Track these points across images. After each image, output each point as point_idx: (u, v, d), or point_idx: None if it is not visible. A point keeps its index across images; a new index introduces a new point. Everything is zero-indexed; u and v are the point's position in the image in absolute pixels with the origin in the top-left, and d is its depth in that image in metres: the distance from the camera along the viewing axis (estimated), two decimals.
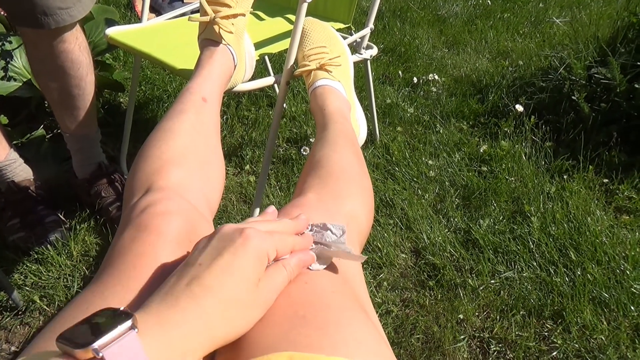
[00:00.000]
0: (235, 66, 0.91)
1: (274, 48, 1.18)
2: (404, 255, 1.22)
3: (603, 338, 1.02)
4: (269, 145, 1.13)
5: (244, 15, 0.91)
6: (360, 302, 0.47)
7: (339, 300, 0.43)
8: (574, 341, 1.02)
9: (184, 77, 1.05)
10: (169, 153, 0.62)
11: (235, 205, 1.36)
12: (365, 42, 1.32)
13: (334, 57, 1.00)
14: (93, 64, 1.17)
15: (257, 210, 1.17)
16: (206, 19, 0.86)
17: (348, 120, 0.87)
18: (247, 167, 1.50)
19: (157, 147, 0.63)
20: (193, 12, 1.28)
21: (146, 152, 0.63)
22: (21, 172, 1.22)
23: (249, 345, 0.39)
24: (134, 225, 0.49)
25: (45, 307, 1.06)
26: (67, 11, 0.99)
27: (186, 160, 0.63)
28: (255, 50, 1.12)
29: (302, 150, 1.55)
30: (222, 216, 1.32)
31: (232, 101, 1.81)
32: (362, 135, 1.03)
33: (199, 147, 0.67)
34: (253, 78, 1.04)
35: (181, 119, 0.70)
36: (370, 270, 1.18)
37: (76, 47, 1.09)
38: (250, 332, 0.40)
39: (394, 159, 1.53)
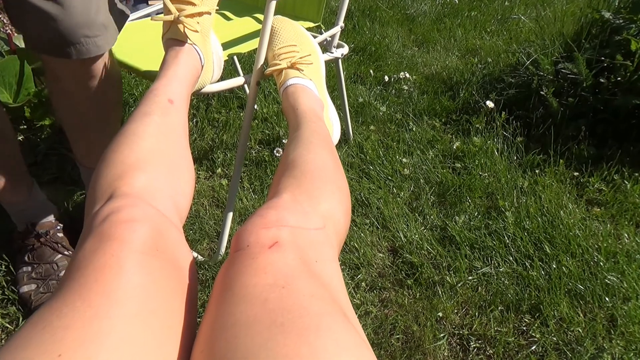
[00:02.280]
0: (202, 66, 0.88)
1: (243, 48, 1.15)
2: (381, 255, 1.21)
3: (580, 330, 1.03)
4: (241, 147, 1.10)
5: (209, 13, 0.88)
6: (340, 305, 0.45)
7: (318, 305, 0.41)
8: (552, 334, 1.02)
9: (149, 79, 1.01)
10: (133, 157, 0.59)
11: (208, 210, 1.32)
12: (336, 41, 1.30)
13: (304, 56, 0.98)
14: (121, 101, 1.06)
15: (230, 214, 1.14)
16: (170, 17, 0.82)
17: (321, 119, 0.85)
18: (219, 170, 1.47)
19: (119, 152, 0.59)
20: (158, 13, 1.24)
21: (108, 156, 0.59)
22: (42, 212, 1.10)
23: (225, 357, 0.37)
24: (95, 235, 0.46)
25: (7, 324, 1.00)
26: (94, 40, 0.84)
27: (152, 164, 0.60)
28: (224, 50, 1.09)
29: (275, 151, 1.52)
30: (194, 222, 1.28)
31: (202, 103, 1.77)
32: (335, 134, 1.01)
33: (165, 150, 0.64)
34: (222, 79, 1.01)
35: (146, 121, 0.66)
36: (348, 271, 1.16)
37: (103, 82, 0.94)
38: (227, 343, 0.38)
39: (368, 157, 1.52)
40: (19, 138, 1.48)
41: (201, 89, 0.94)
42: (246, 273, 0.44)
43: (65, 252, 1.09)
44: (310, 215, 0.54)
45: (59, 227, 1.12)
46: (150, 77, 0.98)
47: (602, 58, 1.61)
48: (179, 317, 0.44)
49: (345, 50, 1.33)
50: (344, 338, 0.38)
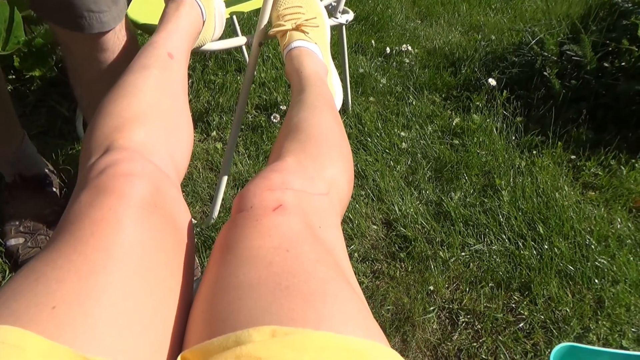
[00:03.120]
0: (203, 22, 0.85)
1: (246, 7, 1.11)
2: (375, 227, 1.20)
3: (568, 310, 1.04)
4: (239, 111, 1.07)
5: None
6: (344, 272, 0.44)
7: (323, 271, 0.39)
8: (540, 313, 1.03)
9: (148, 32, 0.97)
10: (132, 110, 0.56)
11: (202, 173, 1.30)
12: (342, 6, 1.26)
13: (310, 18, 0.94)
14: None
15: (225, 178, 1.12)
16: None
17: (326, 84, 0.82)
18: (214, 133, 1.44)
19: (118, 103, 0.57)
20: None
21: (106, 108, 0.57)
22: (32, 165, 1.06)
23: (227, 319, 0.36)
24: (92, 188, 0.44)
25: None
26: (98, 16, 0.78)
27: (151, 119, 0.57)
28: (226, 8, 1.05)
29: (272, 117, 1.49)
30: (187, 184, 1.26)
31: (198, 64, 1.72)
32: (337, 101, 0.99)
33: (164, 105, 0.61)
34: (220, 40, 0.97)
35: (145, 74, 0.63)
36: None
37: (117, 58, 0.86)
38: (229, 304, 0.36)
39: (366, 129, 1.50)
40: (7, 88, 1.43)
41: (201, 46, 0.91)
42: (249, 235, 0.42)
43: (55, 207, 1.07)
44: (315, 180, 0.52)
45: (48, 181, 1.09)
46: (149, 31, 0.94)
47: (608, 42, 1.59)
48: (177, 276, 0.43)
49: (350, 16, 1.29)
50: (351, 306, 0.37)
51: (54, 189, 1.09)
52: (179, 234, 0.47)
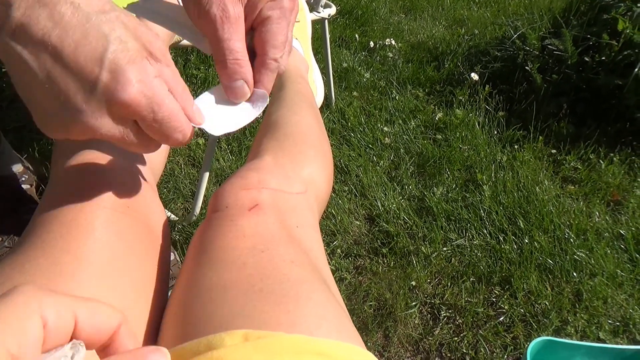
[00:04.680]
0: None
1: None
2: (358, 223, 1.21)
3: (547, 303, 1.05)
4: None
5: None
6: (320, 273, 0.43)
7: (298, 272, 0.39)
8: (520, 306, 1.05)
9: None
10: None
11: (183, 169, 1.29)
12: (324, 0, 1.25)
13: None
14: None
15: (206, 174, 1.11)
16: None
17: (306, 81, 0.82)
18: (196, 128, 1.42)
19: None
20: None
21: None
22: (7, 163, 1.03)
23: (199, 322, 0.35)
24: (63, 187, 0.43)
25: None
26: None
27: None
28: None
29: None
30: (169, 180, 1.25)
31: (180, 58, 1.69)
32: (319, 97, 0.98)
33: None
34: None
35: None
36: (324, 237, 1.16)
37: None
38: (202, 307, 0.36)
39: (349, 124, 1.50)
40: None
41: (179, 41, 0.89)
42: (224, 235, 0.42)
43: (31, 205, 1.04)
44: (292, 179, 0.52)
45: (24, 179, 1.06)
46: None
47: (589, 36, 1.60)
48: (150, 278, 0.42)
49: (332, 10, 1.28)
50: (325, 308, 0.37)
51: (30, 186, 1.07)
52: (153, 235, 0.46)
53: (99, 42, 0.30)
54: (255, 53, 0.41)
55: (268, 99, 0.41)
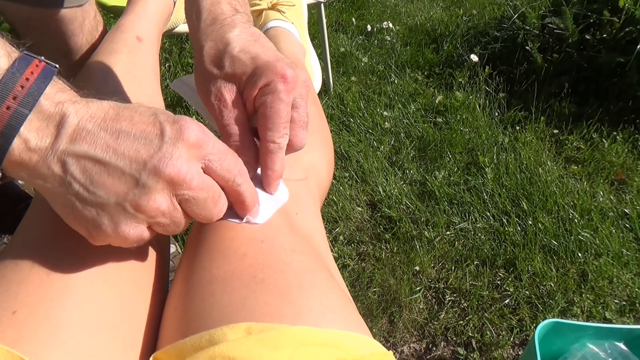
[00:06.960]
0: (174, 3, 0.81)
1: None
2: (359, 209, 1.20)
3: (552, 284, 1.04)
4: None
5: None
6: (323, 260, 0.42)
7: (300, 261, 0.38)
8: (525, 288, 1.04)
9: (117, 15, 0.93)
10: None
11: None
12: None
13: None
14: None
15: None
16: None
17: (303, 66, 0.80)
18: (193, 118, 1.40)
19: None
20: None
21: None
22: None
23: (200, 316, 0.34)
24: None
25: None
26: None
27: None
28: None
29: None
30: None
31: (175, 47, 1.67)
32: (316, 83, 0.97)
33: (133, 92, 0.58)
34: None
35: (112, 59, 0.61)
36: (327, 224, 1.15)
37: (85, 42, 0.77)
38: (202, 300, 0.35)
39: (348, 109, 1.48)
40: None
41: (173, 28, 0.87)
42: (223, 226, 0.40)
43: (28, 201, 1.03)
44: (292, 165, 0.50)
45: None
46: (117, 13, 0.90)
47: (589, 13, 1.57)
48: (148, 273, 0.41)
49: None
50: (329, 297, 0.35)
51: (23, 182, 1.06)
52: None
53: None
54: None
55: (281, 182, 0.44)
